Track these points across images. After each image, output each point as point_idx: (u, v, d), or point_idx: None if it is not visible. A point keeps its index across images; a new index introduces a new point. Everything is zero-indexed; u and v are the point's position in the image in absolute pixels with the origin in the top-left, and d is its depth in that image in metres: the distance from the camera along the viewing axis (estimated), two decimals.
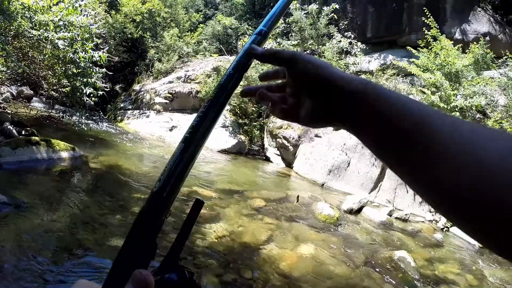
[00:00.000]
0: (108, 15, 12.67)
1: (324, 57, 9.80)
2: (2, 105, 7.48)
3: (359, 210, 6.11)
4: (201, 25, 16.44)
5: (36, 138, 5.58)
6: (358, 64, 10.12)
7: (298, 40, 11.26)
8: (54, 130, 7.53)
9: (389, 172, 6.95)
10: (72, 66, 7.27)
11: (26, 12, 6.01)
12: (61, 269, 2.92)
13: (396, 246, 4.93)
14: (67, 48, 6.73)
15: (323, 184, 7.42)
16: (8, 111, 7.29)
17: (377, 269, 4.14)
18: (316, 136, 8.27)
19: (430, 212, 6.46)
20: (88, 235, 3.57)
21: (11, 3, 5.64)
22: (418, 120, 0.34)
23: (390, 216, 6.10)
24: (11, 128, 6.17)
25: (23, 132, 6.27)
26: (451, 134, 0.32)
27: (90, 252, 3.27)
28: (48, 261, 2.97)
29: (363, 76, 8.91)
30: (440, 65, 7.30)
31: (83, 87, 7.59)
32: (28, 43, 6.73)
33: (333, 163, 7.48)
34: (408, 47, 8.64)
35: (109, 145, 7.69)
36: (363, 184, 7.07)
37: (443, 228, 6.10)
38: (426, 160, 0.33)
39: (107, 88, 8.86)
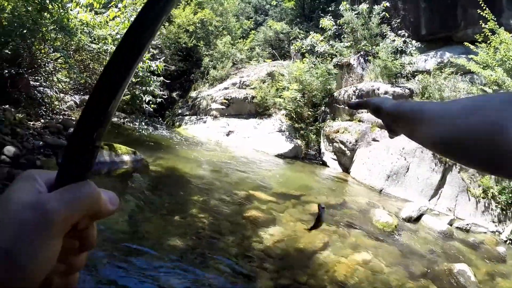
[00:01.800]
0: (162, 26, 13.32)
1: (379, 58, 9.44)
2: (67, 112, 8.08)
3: (418, 218, 5.75)
4: (253, 31, 16.71)
5: None
6: (414, 63, 9.59)
7: (351, 42, 10.98)
8: (115, 135, 7.96)
9: (449, 178, 6.49)
10: None
11: (85, 27, 6.50)
12: (120, 265, 3.06)
13: (456, 258, 4.57)
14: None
15: (381, 190, 7.10)
16: (72, 118, 7.87)
17: (436, 282, 3.87)
18: (374, 140, 7.96)
19: (493, 222, 5.92)
20: (148, 234, 3.73)
21: (70, 21, 6.09)
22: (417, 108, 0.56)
23: (451, 225, 5.68)
24: None
25: None
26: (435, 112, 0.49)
27: (150, 250, 3.39)
28: (107, 256, 3.14)
29: (420, 76, 8.47)
30: (501, 61, 6.66)
31: (142, 95, 8.07)
32: (88, 56, 7.26)
33: (391, 168, 7.13)
34: (466, 43, 8.00)
35: (168, 149, 8.02)
36: (422, 190, 6.65)
37: (506, 241, 5.52)
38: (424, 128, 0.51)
39: (165, 96, 9.34)
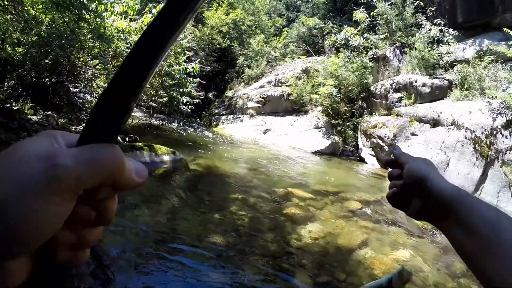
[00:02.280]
0: (195, 29, 13.69)
1: (416, 49, 9.10)
2: None
3: None
4: (286, 28, 16.67)
5: (139, 143, 6.15)
6: (452, 53, 9.14)
7: (386, 33, 10.67)
8: (154, 136, 8.27)
9: (491, 173, 6.17)
10: (168, 78, 8.06)
11: (121, 34, 6.80)
12: (160, 261, 3.18)
13: None
14: (162, 63, 7.47)
15: None
16: None
17: (476, 281, 3.72)
18: (413, 134, 7.74)
19: None
20: (188, 231, 3.87)
21: (107, 29, 6.39)
22: (490, 227, 0.48)
23: None
24: None
25: (127, 139, 7.02)
26: None
27: (189, 247, 3.52)
28: (148, 252, 3.29)
29: (458, 66, 8.07)
30: None
31: (179, 97, 8.36)
32: None
33: None
34: (505, 29, 7.53)
35: (207, 148, 8.21)
36: (463, 186, 6.36)
37: None
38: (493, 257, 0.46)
39: (202, 96, 9.60)
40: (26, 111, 6.35)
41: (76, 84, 8.57)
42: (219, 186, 5.76)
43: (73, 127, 6.78)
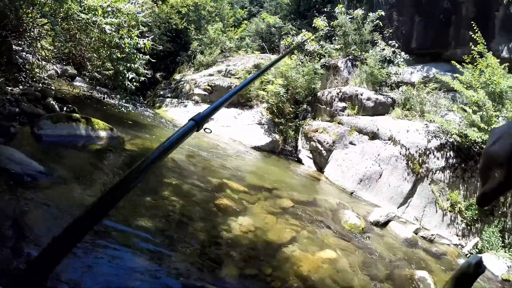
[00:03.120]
0: (155, 5, 13.07)
1: (367, 64, 9.58)
2: (47, 81, 7.80)
3: (385, 223, 5.95)
4: (245, 21, 16.58)
5: (77, 115, 5.73)
6: (400, 74, 9.81)
7: (341, 45, 11.06)
8: (94, 110, 7.78)
9: (420, 189, 6.71)
10: (117, 50, 7.54)
11: None
12: (84, 241, 2.98)
13: (418, 265, 4.76)
14: (113, 33, 6.98)
15: (352, 193, 7.26)
16: (52, 88, 7.59)
17: (397, 285, 4.02)
18: (351, 143, 8.11)
19: (457, 236, 6.20)
20: (117, 212, 3.66)
21: None
22: None
23: (416, 234, 5.90)
24: (54, 103, 6.41)
25: (64, 109, 6.52)
26: None
27: (117, 229, 3.35)
28: None
29: (404, 88, 8.70)
30: (484, 84, 6.90)
31: (126, 72, 7.86)
32: (76, 26, 6.98)
33: (364, 173, 7.29)
34: (453, 62, 8.27)
35: (146, 129, 7.89)
36: (392, 197, 6.85)
37: (468, 254, 5.81)
38: None
39: (149, 75, 9.14)
40: None
41: (19, 42, 7.65)
42: (153, 169, 5.51)
43: (9, 88, 6.12)
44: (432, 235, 5.99)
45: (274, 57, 12.58)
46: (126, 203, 3.94)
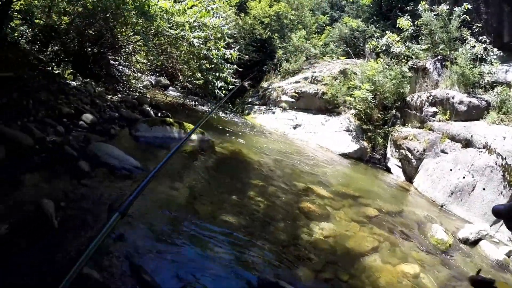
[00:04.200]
0: (238, 17, 13.80)
1: (457, 64, 8.76)
2: (142, 91, 8.79)
3: (476, 242, 5.31)
4: (328, 27, 16.48)
5: (170, 120, 6.31)
6: (493, 73, 8.69)
7: (428, 44, 10.33)
8: (186, 116, 8.40)
9: None
10: (205, 62, 8.23)
11: (164, 14, 6.96)
12: (173, 231, 3.37)
13: None
14: (201, 46, 7.64)
15: (442, 206, 6.71)
16: (147, 96, 8.52)
17: None
18: (443, 151, 7.53)
19: None
20: (204, 207, 4.01)
21: (151, 7, 6.58)
22: None
23: (509, 257, 5.19)
24: (149, 109, 7.17)
25: (159, 114, 7.24)
26: None
27: (202, 222, 3.67)
28: (163, 222, 3.48)
29: (499, 88, 7.74)
30: None
31: (215, 81, 8.54)
32: (166, 41, 7.76)
33: (456, 184, 6.69)
34: None
35: (235, 134, 8.30)
36: (485, 214, 6.13)
37: None
38: None
39: (237, 84, 9.74)
40: (66, 76, 6.67)
41: (116, 57, 8.90)
42: (241, 171, 5.89)
43: (109, 97, 7.08)
44: None
45: (359, 62, 12.29)
46: (214, 199, 4.34)
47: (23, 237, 2.55)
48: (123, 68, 9.13)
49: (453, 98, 8.29)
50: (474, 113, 7.95)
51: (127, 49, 8.43)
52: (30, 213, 2.79)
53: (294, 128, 10.57)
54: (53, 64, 6.71)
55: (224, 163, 6.12)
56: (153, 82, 10.89)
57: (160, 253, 2.94)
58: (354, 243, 4.23)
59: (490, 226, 6.00)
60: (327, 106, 10.96)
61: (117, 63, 9.03)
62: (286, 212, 4.56)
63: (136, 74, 9.10)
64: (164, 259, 2.91)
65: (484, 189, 6.32)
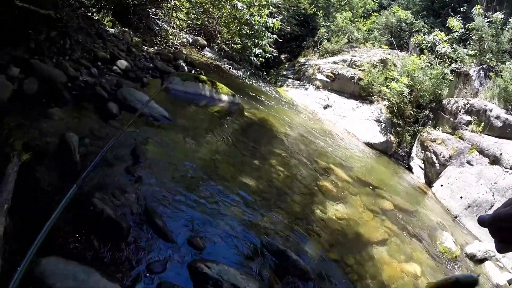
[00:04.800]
0: None
1: (501, 77, 8.33)
2: (179, 47, 8.73)
3: (481, 261, 5.24)
4: (375, 13, 15.80)
5: (204, 77, 6.29)
6: None
7: (476, 51, 9.84)
8: (219, 77, 8.33)
9: None
10: (246, 27, 8.09)
11: None
12: (192, 184, 3.41)
13: None
14: (244, 10, 7.49)
15: (456, 217, 6.59)
16: (183, 52, 8.48)
17: None
18: (468, 163, 7.32)
19: None
20: (225, 167, 4.06)
21: None
22: None
23: (509, 284, 5.13)
24: (184, 65, 7.17)
25: (193, 71, 7.23)
26: None
27: (222, 181, 3.71)
28: (183, 173, 3.53)
29: None
30: None
31: (253, 47, 8.41)
32: (209, 1, 7.67)
33: (475, 199, 6.52)
34: None
35: (265, 103, 8.25)
36: None
37: None
38: None
39: (274, 54, 9.58)
40: (105, 22, 6.71)
41: (156, 11, 8.83)
42: (266, 138, 5.89)
43: (145, 47, 7.10)
44: None
45: (402, 54, 11.86)
46: (236, 161, 4.37)
47: (44, 165, 2.62)
48: (162, 23, 9.06)
49: (490, 111, 7.97)
50: (509, 132, 7.65)
51: (169, 4, 8.33)
52: (55, 145, 2.86)
53: (324, 108, 10.43)
54: (94, 10, 6.72)
55: (250, 128, 6.12)
56: (190, 41, 10.81)
57: (176, 203, 3.01)
58: (365, 231, 4.25)
59: None
60: (361, 93, 10.70)
61: (157, 17, 8.96)
62: (304, 186, 4.58)
63: (174, 30, 9.03)
64: (179, 208, 2.98)
65: None
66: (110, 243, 2.32)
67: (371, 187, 5.80)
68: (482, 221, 0.64)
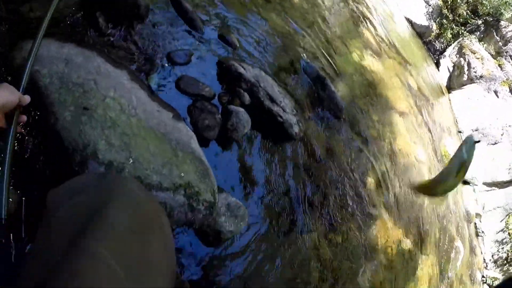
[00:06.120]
0: None
1: None
2: None
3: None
4: None
5: None
6: None
7: None
8: None
9: None
10: None
11: None
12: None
13: None
14: None
15: (460, 132, 6.54)
16: None
17: None
18: (495, 92, 7.03)
19: None
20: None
21: None
22: None
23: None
24: None
25: None
26: None
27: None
28: None
29: None
30: None
31: None
32: None
33: (484, 128, 6.45)
34: None
35: None
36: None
37: None
38: None
39: None
40: None
41: None
42: None
43: None
44: None
45: None
46: None
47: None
48: None
49: None
50: None
51: None
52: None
53: None
54: None
55: None
56: None
57: None
58: (391, 96, 4.12)
59: None
60: None
61: None
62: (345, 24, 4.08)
63: None
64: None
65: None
66: (120, 24, 1.89)
67: (403, 59, 5.47)
68: None
